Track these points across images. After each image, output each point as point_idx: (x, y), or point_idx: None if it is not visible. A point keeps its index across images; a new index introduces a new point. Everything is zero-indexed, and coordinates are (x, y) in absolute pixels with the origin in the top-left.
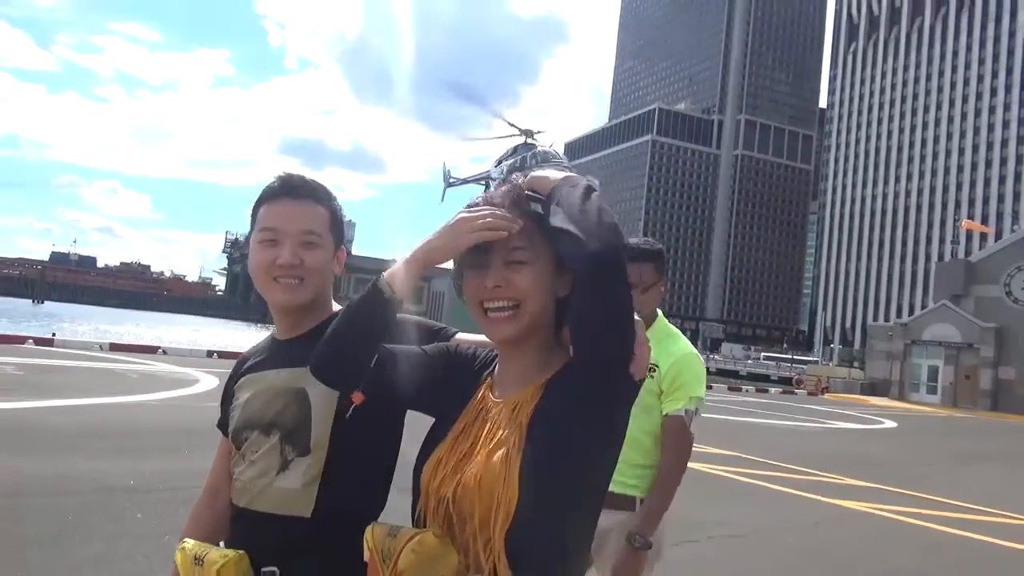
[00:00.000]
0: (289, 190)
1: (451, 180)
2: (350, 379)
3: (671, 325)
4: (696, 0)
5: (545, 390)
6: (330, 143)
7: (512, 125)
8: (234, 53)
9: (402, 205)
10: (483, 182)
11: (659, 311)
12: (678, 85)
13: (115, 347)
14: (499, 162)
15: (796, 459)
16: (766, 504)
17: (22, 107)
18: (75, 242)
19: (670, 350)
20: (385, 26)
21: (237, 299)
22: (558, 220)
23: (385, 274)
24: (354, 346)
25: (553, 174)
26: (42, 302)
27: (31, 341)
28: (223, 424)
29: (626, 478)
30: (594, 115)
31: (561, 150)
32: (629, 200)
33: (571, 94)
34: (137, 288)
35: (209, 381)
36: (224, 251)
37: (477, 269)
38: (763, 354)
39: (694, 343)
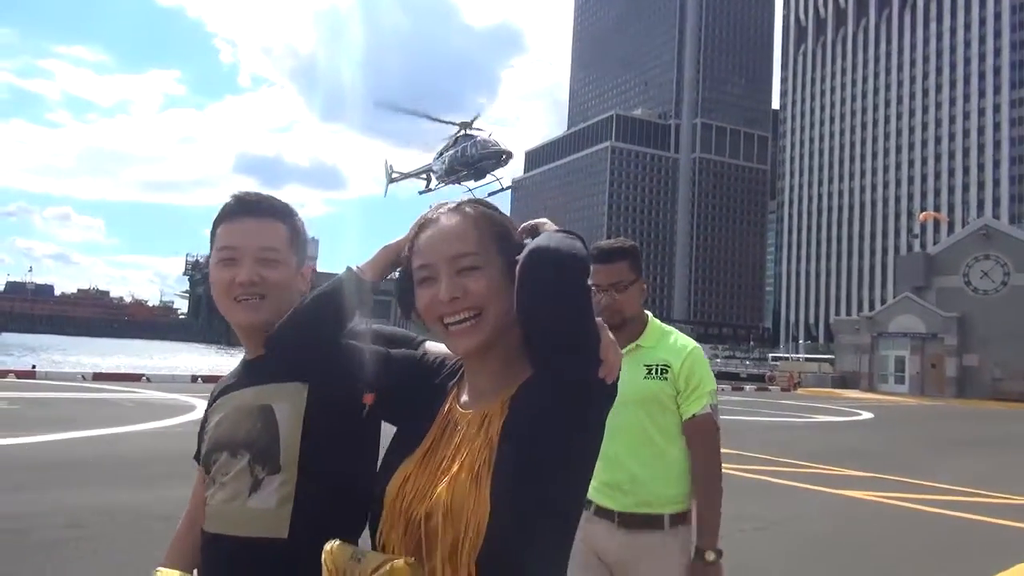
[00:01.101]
0: (246, 208)
1: (393, 175)
2: (305, 349)
3: (666, 324)
4: (648, 8)
5: (514, 402)
6: (288, 160)
7: (446, 121)
8: (185, 73)
9: (363, 219)
10: (424, 175)
11: (647, 312)
12: (634, 92)
13: (98, 376)
14: (440, 154)
15: (791, 453)
16: (778, 498)
17: None
18: (31, 270)
19: (676, 346)
20: (338, 42)
21: (201, 322)
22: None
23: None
24: (315, 316)
25: (547, 224)
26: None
27: (12, 375)
28: (199, 455)
29: (651, 495)
30: (553, 124)
31: (522, 160)
32: (591, 207)
33: (529, 104)
34: (97, 315)
35: (204, 407)
36: (185, 273)
37: (427, 284)
38: (722, 354)
39: None
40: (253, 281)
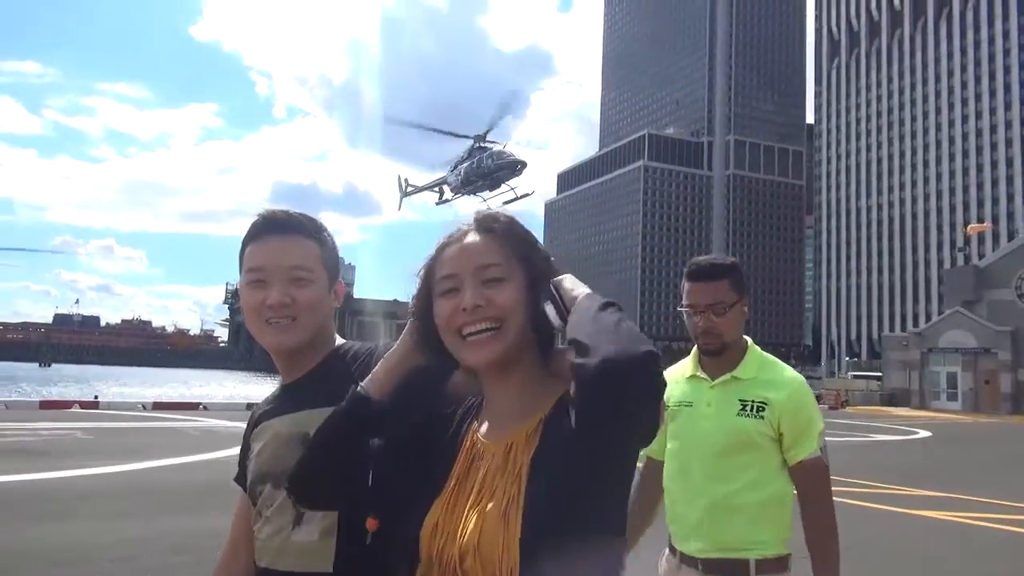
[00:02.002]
0: (273, 226)
1: (407, 189)
2: (330, 498)
3: (765, 353)
4: (677, 26)
5: (542, 431)
6: (322, 187)
7: (461, 136)
8: (222, 105)
9: (400, 245)
10: (438, 188)
11: (748, 338)
12: (665, 110)
13: (158, 406)
14: (455, 166)
15: (855, 473)
16: (854, 520)
17: (15, 172)
18: (77, 302)
19: (778, 382)
20: (369, 70)
21: (241, 349)
22: (571, 331)
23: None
24: (327, 458)
25: (579, 288)
26: (49, 365)
27: (77, 405)
28: (241, 478)
29: (737, 540)
30: (584, 145)
31: (555, 181)
32: (625, 227)
33: (560, 125)
34: (141, 344)
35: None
36: (225, 302)
37: (450, 295)
38: None
39: None
40: (284, 303)
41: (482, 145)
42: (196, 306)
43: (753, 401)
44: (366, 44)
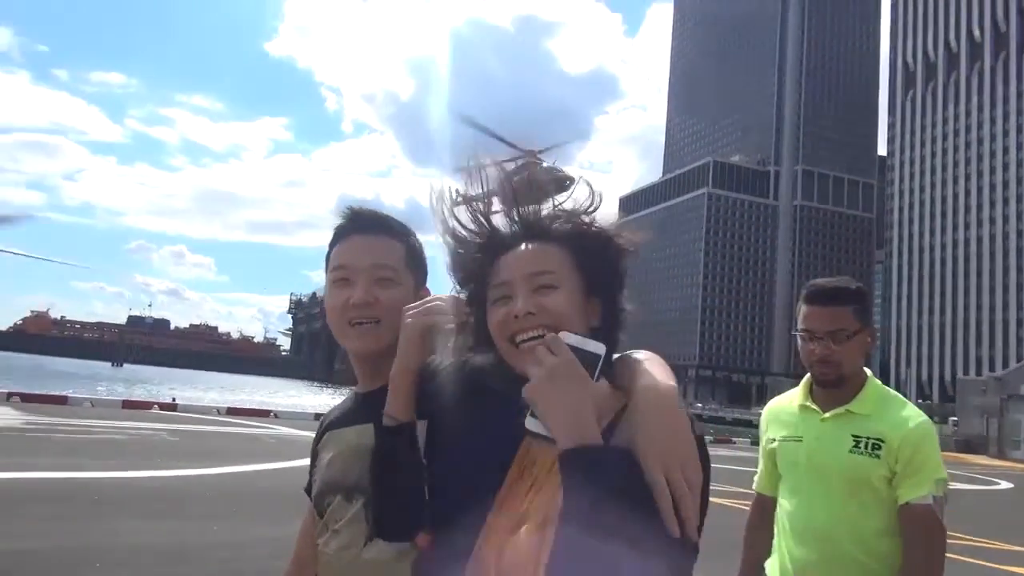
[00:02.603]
0: (360, 225)
1: (458, 199)
2: (415, 525)
3: (887, 387)
4: (746, 52)
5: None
6: (386, 202)
7: (512, 145)
8: (293, 120)
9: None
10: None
11: (868, 371)
12: (731, 137)
13: (232, 411)
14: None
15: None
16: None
17: (96, 177)
18: (150, 306)
19: (897, 418)
20: (435, 89)
21: (302, 359)
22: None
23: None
24: (397, 495)
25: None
26: (121, 365)
27: (156, 407)
28: (310, 489)
29: None
30: (648, 169)
31: (616, 205)
32: (687, 254)
33: (623, 149)
34: (206, 349)
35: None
36: (288, 312)
37: (502, 303)
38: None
39: (762, 399)
40: (368, 301)
41: (534, 160)
42: (260, 314)
43: (868, 438)
44: (433, 63)
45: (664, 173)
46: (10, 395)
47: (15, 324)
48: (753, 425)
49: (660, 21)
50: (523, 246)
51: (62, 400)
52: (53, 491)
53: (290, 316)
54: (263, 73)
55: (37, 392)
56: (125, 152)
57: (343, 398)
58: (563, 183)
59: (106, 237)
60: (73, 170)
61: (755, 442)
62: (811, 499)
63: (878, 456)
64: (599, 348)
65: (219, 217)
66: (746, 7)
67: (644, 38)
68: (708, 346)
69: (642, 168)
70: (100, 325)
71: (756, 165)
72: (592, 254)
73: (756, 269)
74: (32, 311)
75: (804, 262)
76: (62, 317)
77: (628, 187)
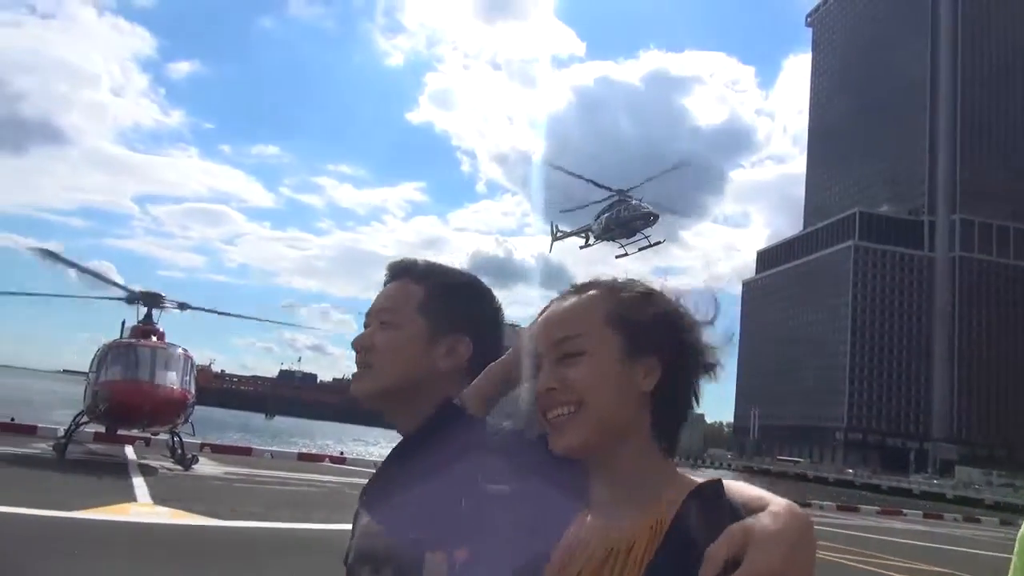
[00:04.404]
0: (389, 275)
1: (558, 234)
2: (437, 533)
3: None
4: (893, 97)
5: (657, 549)
6: (516, 259)
7: (602, 186)
8: (430, 183)
9: None
10: (584, 234)
11: None
12: (878, 187)
13: None
14: (598, 216)
15: None
16: None
17: (252, 241)
18: (300, 360)
19: None
20: (566, 149)
21: None
22: None
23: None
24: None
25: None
26: (272, 416)
27: (327, 459)
28: (347, 558)
29: None
30: (786, 222)
31: (754, 259)
32: (830, 309)
33: (760, 202)
34: (348, 402)
35: None
36: None
37: (536, 376)
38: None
39: (921, 467)
40: (362, 345)
41: (622, 198)
42: None
43: None
44: (563, 123)
45: (805, 226)
46: (202, 445)
47: None
48: (914, 495)
49: (797, 71)
50: (555, 306)
51: (247, 451)
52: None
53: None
54: (403, 140)
55: (225, 443)
56: (278, 217)
57: None
58: (648, 218)
59: (261, 296)
60: (233, 235)
61: (928, 514)
62: None
63: None
64: None
65: (360, 277)
66: (892, 55)
67: (780, 89)
68: (858, 408)
69: (780, 221)
70: (254, 379)
71: (907, 215)
72: (630, 308)
73: (911, 325)
74: (199, 365)
75: (966, 317)
76: (222, 371)
77: (765, 241)
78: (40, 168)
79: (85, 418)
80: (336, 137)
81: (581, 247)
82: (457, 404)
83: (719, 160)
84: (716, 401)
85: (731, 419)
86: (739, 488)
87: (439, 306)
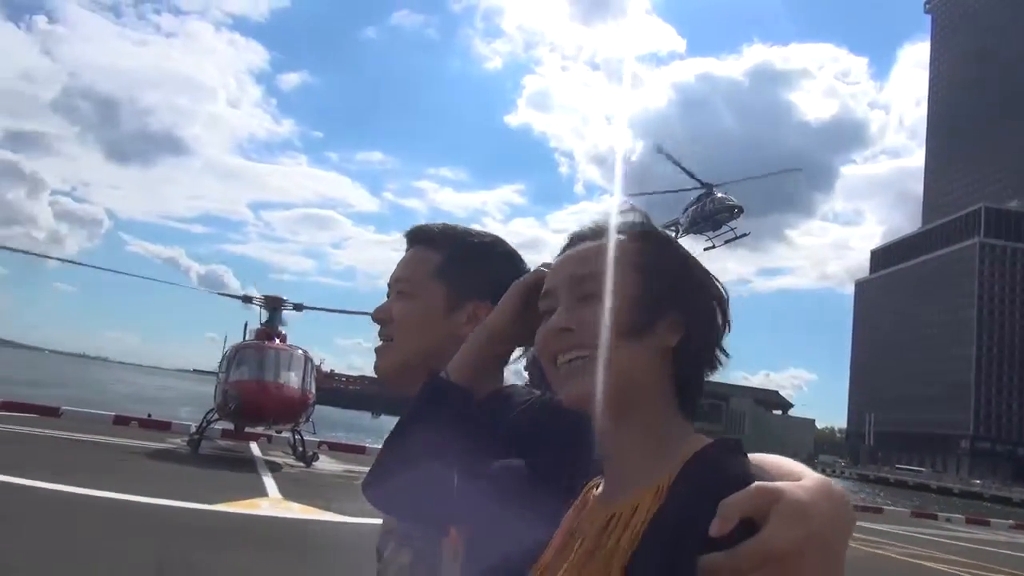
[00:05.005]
0: (408, 241)
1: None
2: (437, 515)
3: None
4: (1019, 85)
5: (657, 510)
6: None
7: (693, 176)
8: (528, 185)
9: None
10: (672, 228)
11: None
12: (1005, 181)
13: None
14: (685, 210)
15: None
16: None
17: (357, 245)
18: None
19: None
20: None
21: None
22: None
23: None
24: (406, 455)
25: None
26: (379, 415)
27: None
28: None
29: None
30: (902, 220)
31: (867, 259)
32: (952, 311)
33: (873, 199)
34: None
35: None
36: (525, 368)
37: (547, 316)
38: None
39: None
40: (380, 318)
41: (709, 192)
42: None
43: None
44: (664, 121)
45: (924, 223)
46: (320, 443)
47: None
48: None
49: (914, 61)
50: (580, 245)
51: (361, 449)
52: None
53: (524, 372)
54: (501, 143)
55: (340, 442)
56: (382, 221)
57: None
58: (733, 210)
59: (366, 298)
60: (340, 239)
61: None
62: None
63: None
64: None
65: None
66: (1020, 42)
67: (895, 80)
68: (986, 415)
69: (895, 218)
70: (362, 378)
71: None
72: (657, 250)
73: None
74: None
75: None
76: (331, 371)
77: (879, 239)
78: (166, 178)
79: (216, 415)
80: (436, 141)
81: None
82: (443, 377)
83: (828, 156)
84: (828, 404)
85: (844, 424)
86: (773, 459)
87: (458, 271)
